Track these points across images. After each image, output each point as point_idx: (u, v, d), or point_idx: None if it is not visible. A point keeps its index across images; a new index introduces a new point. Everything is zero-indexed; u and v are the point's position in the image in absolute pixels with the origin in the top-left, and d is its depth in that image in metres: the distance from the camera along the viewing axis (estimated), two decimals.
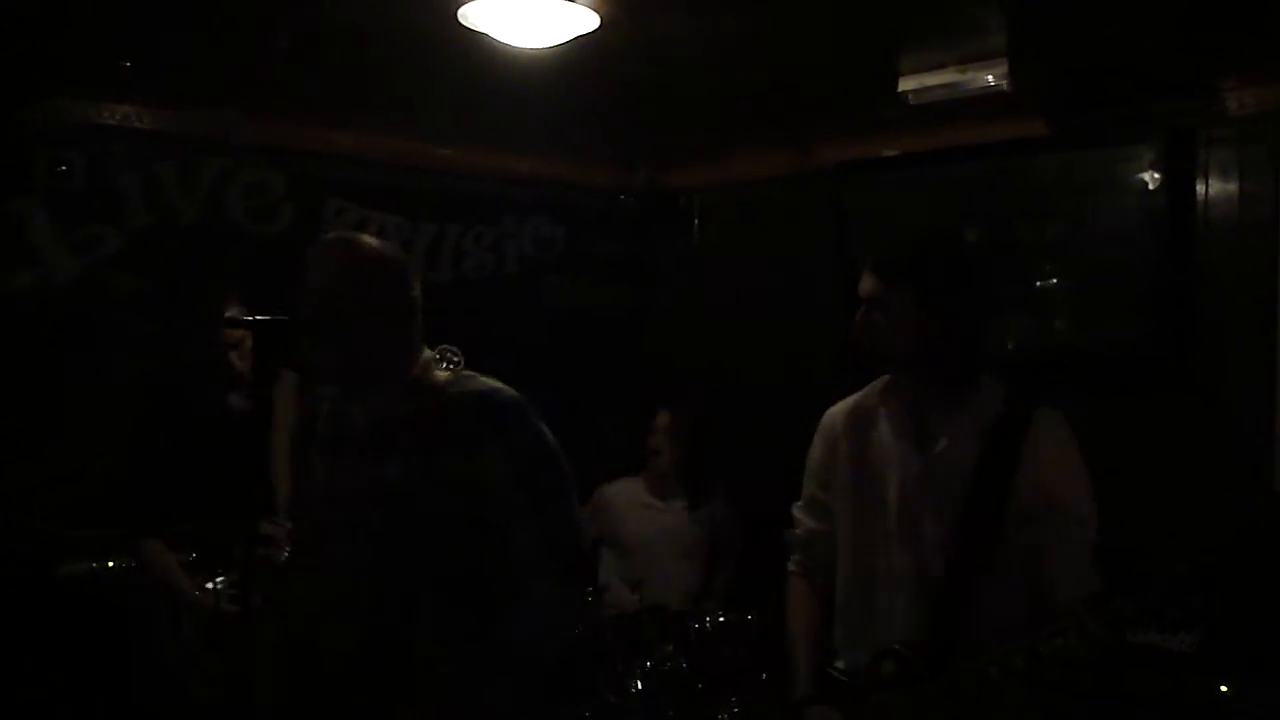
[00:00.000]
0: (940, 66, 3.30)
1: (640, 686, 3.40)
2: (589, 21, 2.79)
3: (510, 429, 2.10)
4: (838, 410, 2.38)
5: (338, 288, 2.07)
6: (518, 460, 2.08)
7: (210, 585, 2.98)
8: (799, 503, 2.45)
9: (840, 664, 2.28)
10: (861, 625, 2.24)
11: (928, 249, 2.25)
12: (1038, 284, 3.82)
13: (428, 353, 2.19)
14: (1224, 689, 2.73)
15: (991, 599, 2.07)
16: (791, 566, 2.46)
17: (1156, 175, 3.55)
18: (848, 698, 2.17)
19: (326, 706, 2.06)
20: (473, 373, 2.20)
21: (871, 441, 2.26)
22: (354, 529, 2.09)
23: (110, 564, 3.36)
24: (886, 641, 2.13)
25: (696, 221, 5.08)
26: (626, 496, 4.25)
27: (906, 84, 3.38)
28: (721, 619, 3.47)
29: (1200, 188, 3.52)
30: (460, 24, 2.77)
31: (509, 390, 2.18)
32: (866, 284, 2.21)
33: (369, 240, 2.21)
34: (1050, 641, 1.91)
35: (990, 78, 3.24)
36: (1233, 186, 3.49)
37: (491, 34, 2.83)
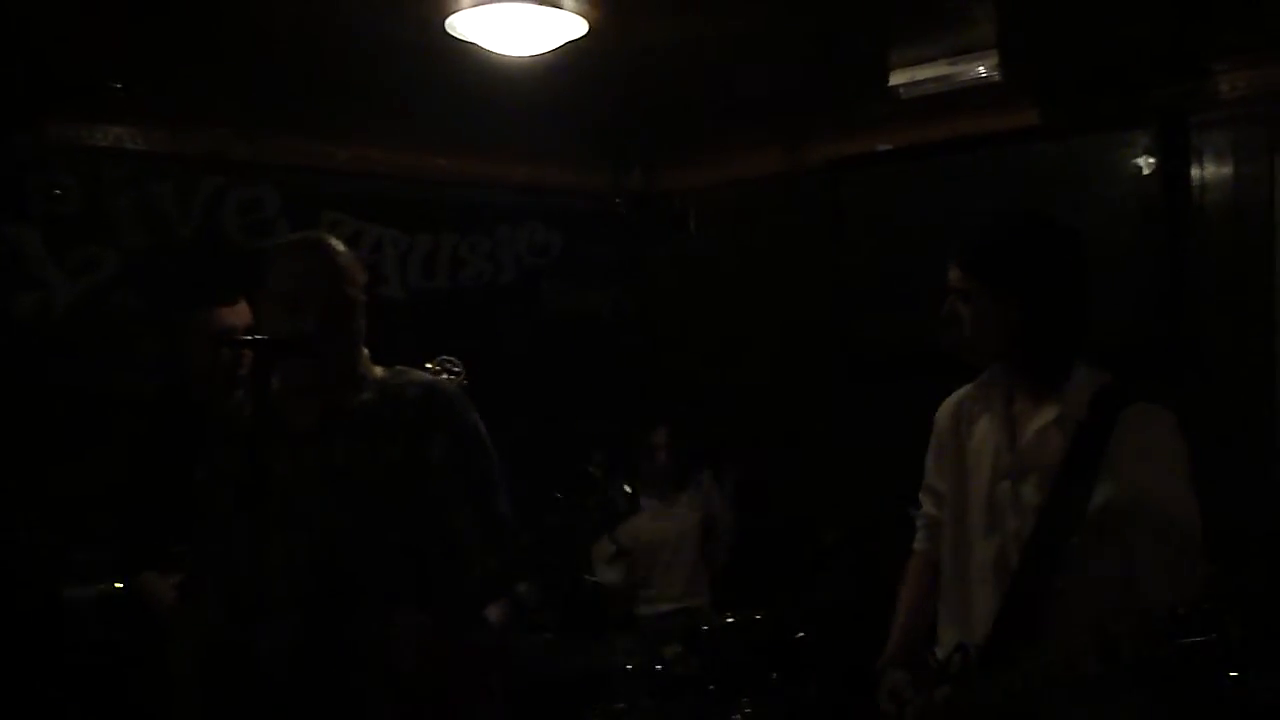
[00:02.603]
0: (931, 59, 3.29)
1: (651, 688, 3.40)
2: (577, 28, 2.78)
3: (451, 417, 2.19)
4: (948, 403, 2.38)
5: (318, 290, 2.11)
6: (457, 446, 2.16)
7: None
8: (924, 485, 2.47)
9: (938, 650, 2.27)
10: (954, 616, 2.25)
11: (1009, 238, 2.20)
12: None
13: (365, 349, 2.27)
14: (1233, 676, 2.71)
15: (1074, 598, 2.01)
16: (916, 545, 2.48)
17: (1151, 160, 3.55)
18: (927, 684, 2.16)
19: (268, 700, 2.06)
20: (406, 367, 2.28)
21: (972, 434, 2.27)
22: (303, 519, 2.11)
23: (117, 585, 3.34)
24: (968, 634, 2.12)
25: (691, 223, 5.08)
26: None
27: (897, 78, 3.38)
28: (730, 620, 3.47)
29: (1195, 171, 3.52)
30: (449, 34, 2.77)
31: (447, 383, 2.30)
32: (952, 275, 2.18)
33: (333, 241, 2.25)
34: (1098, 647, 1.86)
35: (981, 69, 3.24)
36: (1227, 169, 3.48)
37: (480, 43, 2.83)
